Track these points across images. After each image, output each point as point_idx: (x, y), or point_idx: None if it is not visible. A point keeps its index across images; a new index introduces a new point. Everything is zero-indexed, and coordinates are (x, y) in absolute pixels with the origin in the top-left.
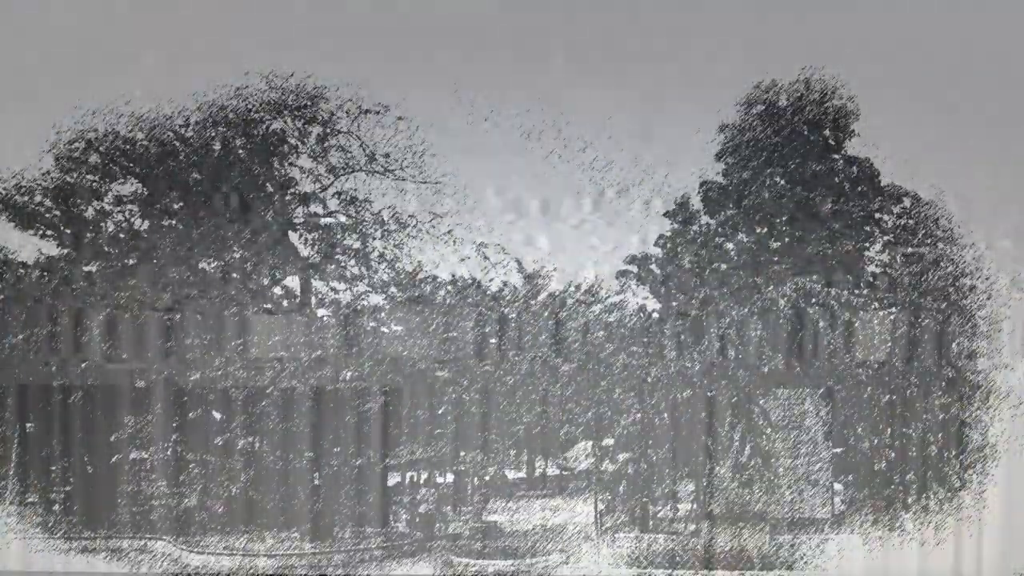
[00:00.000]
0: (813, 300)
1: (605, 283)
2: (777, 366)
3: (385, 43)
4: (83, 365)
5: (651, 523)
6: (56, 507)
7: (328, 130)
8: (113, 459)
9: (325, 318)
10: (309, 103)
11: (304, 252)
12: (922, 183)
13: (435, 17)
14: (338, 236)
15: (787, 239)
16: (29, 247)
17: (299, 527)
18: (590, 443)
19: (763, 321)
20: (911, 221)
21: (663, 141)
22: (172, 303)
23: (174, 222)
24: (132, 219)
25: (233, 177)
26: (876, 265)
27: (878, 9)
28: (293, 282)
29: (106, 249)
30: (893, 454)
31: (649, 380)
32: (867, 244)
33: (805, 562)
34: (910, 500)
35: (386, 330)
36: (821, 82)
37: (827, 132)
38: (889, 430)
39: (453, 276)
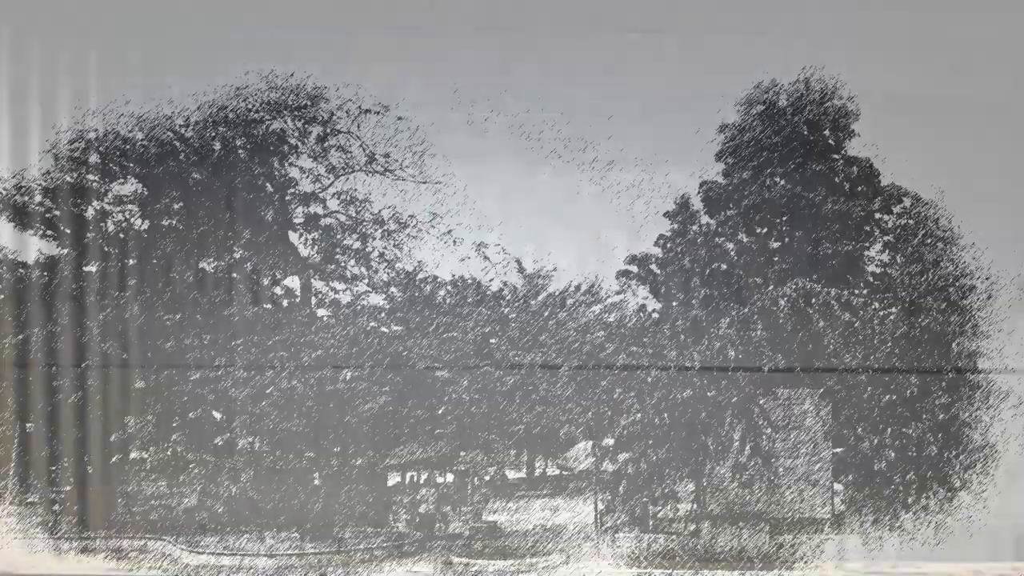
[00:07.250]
0: (813, 300)
1: (605, 283)
2: (777, 366)
3: (386, 43)
4: (83, 365)
5: (651, 523)
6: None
7: (328, 130)
8: (113, 459)
9: (325, 318)
10: (309, 103)
11: (304, 252)
12: (922, 183)
13: (436, 17)
14: (338, 236)
15: (787, 239)
16: (29, 247)
17: (299, 527)
18: (590, 443)
19: (763, 321)
20: (911, 221)
21: (663, 141)
22: (173, 303)
23: (174, 222)
24: (132, 219)
25: (233, 177)
26: (876, 265)
27: (878, 9)
28: (293, 282)
29: (106, 249)
30: (893, 454)
31: (649, 380)
32: (867, 244)
33: (805, 562)
34: (910, 500)
35: (386, 330)
36: (821, 82)
37: (827, 132)
38: (889, 430)
39: (453, 276)
